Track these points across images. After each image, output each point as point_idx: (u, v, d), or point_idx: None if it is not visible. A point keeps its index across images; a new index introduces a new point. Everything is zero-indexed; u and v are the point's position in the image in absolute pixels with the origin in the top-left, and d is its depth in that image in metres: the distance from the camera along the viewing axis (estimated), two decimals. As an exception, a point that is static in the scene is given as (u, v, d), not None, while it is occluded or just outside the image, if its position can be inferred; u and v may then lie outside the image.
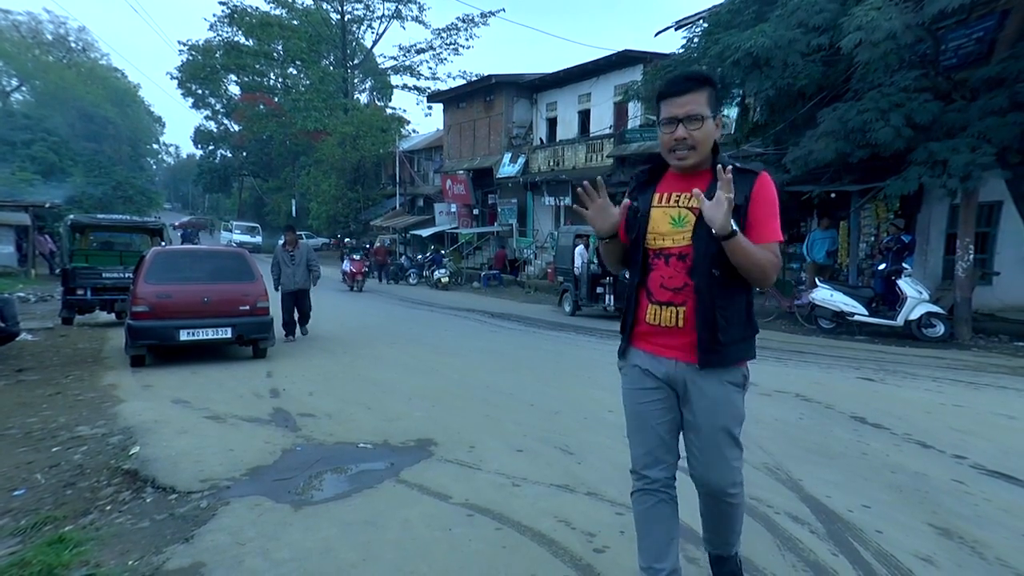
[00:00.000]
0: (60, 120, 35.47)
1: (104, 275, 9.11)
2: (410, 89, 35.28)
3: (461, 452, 3.57)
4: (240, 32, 35.18)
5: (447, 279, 17.45)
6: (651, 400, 1.81)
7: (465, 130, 22.74)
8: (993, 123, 7.37)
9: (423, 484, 3.07)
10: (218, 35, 36.54)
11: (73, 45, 44.69)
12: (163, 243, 9.90)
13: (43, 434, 3.94)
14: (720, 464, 1.75)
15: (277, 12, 33.99)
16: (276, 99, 37.56)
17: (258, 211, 44.71)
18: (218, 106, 43.78)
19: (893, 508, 2.80)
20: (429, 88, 33.34)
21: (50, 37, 42.91)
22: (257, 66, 37.73)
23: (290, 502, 2.85)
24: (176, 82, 40.96)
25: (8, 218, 17.09)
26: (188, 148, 76.84)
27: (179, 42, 49.00)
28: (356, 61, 37.60)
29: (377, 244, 22.89)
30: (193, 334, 6.12)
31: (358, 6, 34.55)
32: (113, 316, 9.33)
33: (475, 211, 22.54)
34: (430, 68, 45.94)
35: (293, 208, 36.43)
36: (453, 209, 23.28)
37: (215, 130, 45.85)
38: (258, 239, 33.77)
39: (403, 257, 22.12)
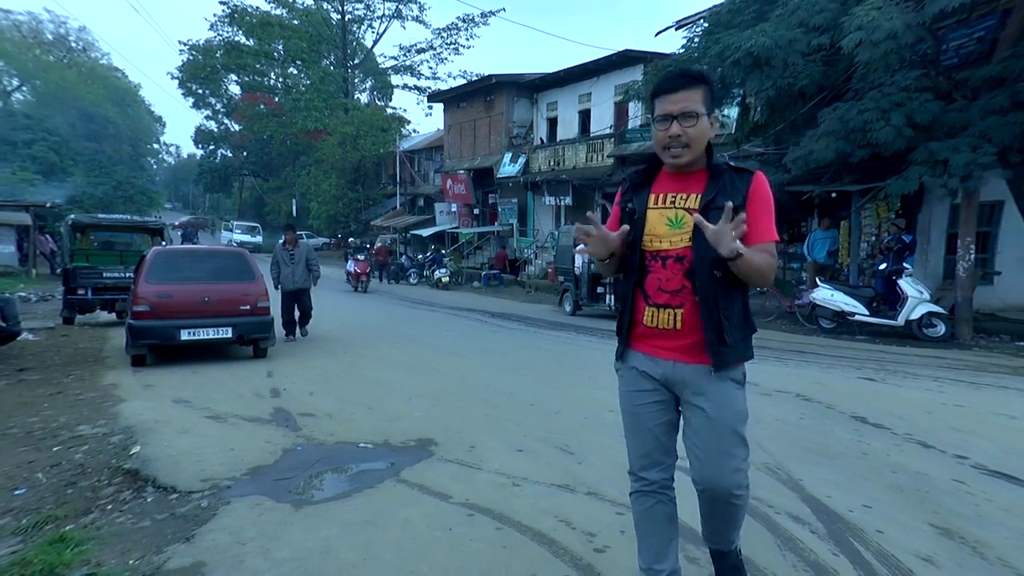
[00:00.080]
0: (61, 120, 35.50)
1: (105, 275, 9.11)
2: (410, 89, 35.33)
3: (461, 452, 3.57)
4: (240, 32, 35.20)
5: (447, 279, 17.44)
6: (648, 402, 1.79)
7: (465, 130, 22.74)
8: (994, 122, 7.36)
9: (423, 484, 3.07)
10: (219, 35, 36.61)
11: (74, 45, 44.76)
12: (163, 243, 9.91)
13: (44, 433, 3.94)
14: (727, 465, 1.69)
15: (278, 12, 34.02)
16: (276, 99, 37.59)
17: (259, 211, 44.75)
18: (218, 106, 43.82)
19: (894, 508, 2.80)
20: (429, 88, 33.39)
21: (51, 37, 42.97)
22: (257, 66, 37.76)
23: (291, 502, 2.85)
24: (177, 82, 41.07)
25: (9, 218, 17.10)
26: (189, 148, 77.04)
27: (180, 42, 49.10)
28: (356, 61, 37.62)
29: (378, 244, 22.89)
30: (194, 334, 6.12)
31: (358, 6, 34.61)
32: (114, 316, 9.34)
33: (475, 211, 22.55)
34: (430, 68, 46.12)
35: (293, 208, 36.46)
36: (453, 209, 23.28)
37: (215, 130, 45.89)
38: (258, 239, 33.78)
39: (403, 257, 22.12)
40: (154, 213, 30.70)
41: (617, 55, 16.18)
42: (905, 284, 8.16)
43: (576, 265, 11.37)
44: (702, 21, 11.88)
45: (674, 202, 1.74)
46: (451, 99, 23.71)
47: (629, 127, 15.91)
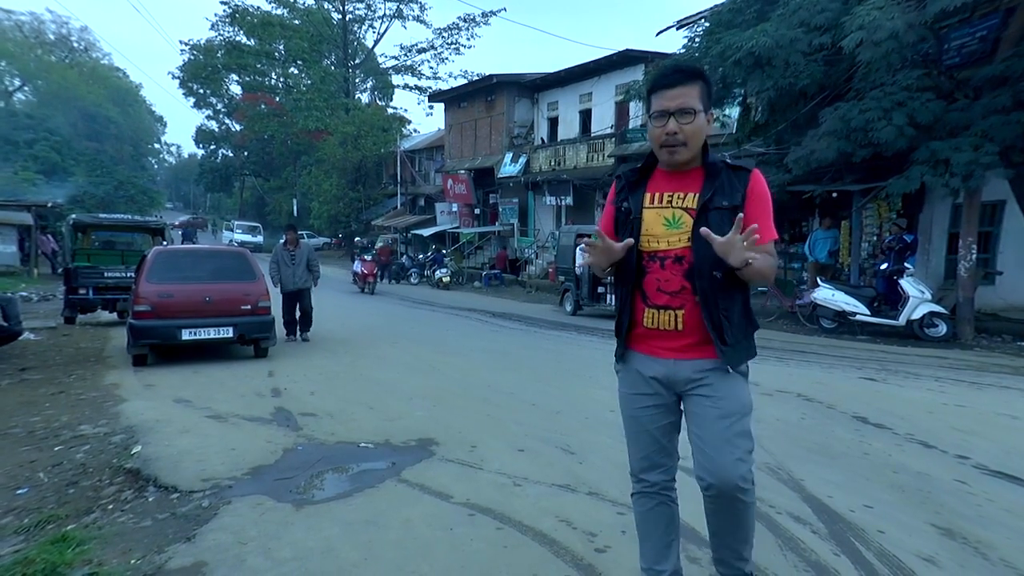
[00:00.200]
0: (62, 120, 35.54)
1: (106, 274, 9.12)
2: (411, 89, 35.29)
3: (462, 452, 3.57)
4: (241, 32, 35.20)
5: (448, 279, 17.43)
6: (648, 405, 1.77)
7: (466, 130, 22.74)
8: (996, 122, 7.35)
9: (424, 484, 3.07)
10: (220, 35, 36.61)
11: (75, 45, 44.80)
12: (164, 242, 9.92)
13: (46, 433, 3.95)
14: (731, 454, 1.64)
15: (278, 12, 34.01)
16: (277, 99, 37.60)
17: (259, 211, 44.79)
18: (219, 106, 43.86)
19: (895, 508, 2.80)
20: (430, 88, 33.35)
21: (52, 37, 43.02)
22: (258, 66, 37.77)
23: (292, 501, 2.85)
24: (178, 82, 41.12)
25: (10, 217, 17.13)
26: (190, 147, 77.19)
27: (181, 42, 49.12)
28: (357, 61, 37.61)
29: (380, 244, 22.89)
30: (195, 333, 6.13)
31: (359, 6, 34.58)
32: (115, 315, 9.35)
33: (476, 211, 22.55)
34: (431, 68, 46.13)
35: (294, 208, 36.49)
36: (454, 209, 23.28)
37: (216, 130, 45.93)
38: (259, 239, 33.82)
39: (404, 257, 22.13)
40: (155, 213, 30.72)
41: (618, 55, 16.17)
42: (906, 284, 8.15)
43: (577, 265, 11.37)
44: (703, 21, 11.87)
45: (671, 201, 1.71)
46: (452, 99, 23.72)
47: (630, 127, 15.91)
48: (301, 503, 2.83)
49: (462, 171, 22.07)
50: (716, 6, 11.47)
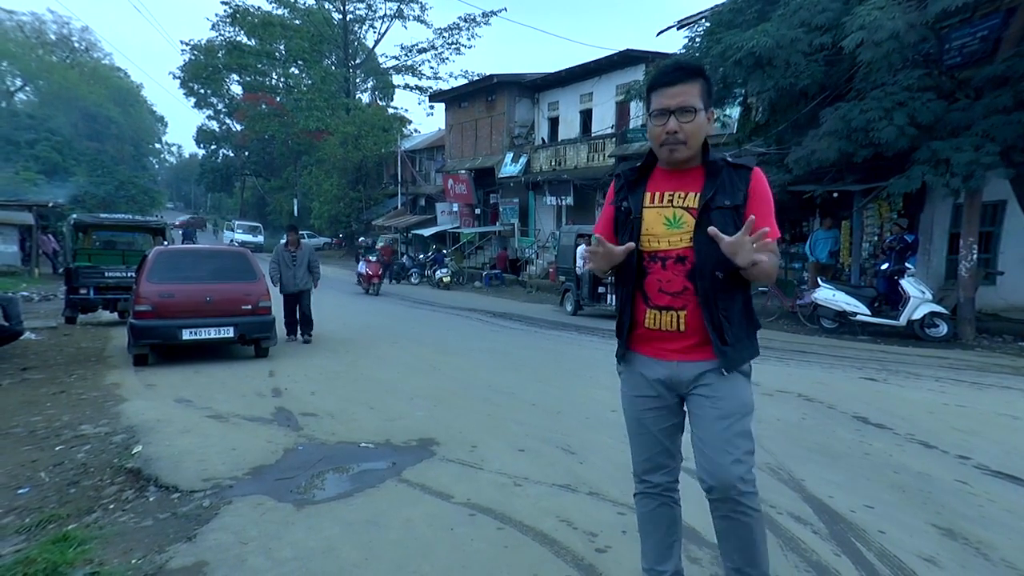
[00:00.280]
0: (63, 120, 35.59)
1: (107, 274, 9.13)
2: (412, 89, 35.30)
3: (463, 452, 3.57)
4: (242, 32, 35.22)
5: (449, 279, 17.42)
6: (651, 407, 1.76)
7: (467, 130, 22.74)
8: (997, 122, 7.35)
9: (425, 484, 3.07)
10: (220, 35, 36.64)
11: (76, 45, 44.84)
12: (165, 242, 9.92)
13: (47, 433, 3.95)
14: (728, 456, 1.62)
15: (279, 12, 34.03)
16: (278, 99, 37.62)
17: (260, 210, 44.82)
18: (220, 106, 43.88)
19: (896, 508, 2.79)
20: (431, 88, 33.35)
21: (54, 37, 43.05)
22: (259, 66, 37.78)
23: (292, 501, 2.85)
24: (178, 82, 41.13)
25: (12, 217, 17.15)
26: (190, 147, 77.12)
27: (181, 42, 49.19)
28: (358, 61, 37.62)
29: (381, 243, 22.89)
30: (195, 333, 6.13)
31: (360, 6, 34.58)
32: (116, 315, 9.35)
33: (477, 211, 22.55)
34: (432, 68, 46.09)
35: (295, 208, 36.50)
36: (455, 209, 23.29)
37: (217, 130, 45.96)
38: (260, 238, 33.85)
39: (405, 257, 22.13)
40: (156, 213, 30.74)
41: (618, 55, 16.17)
42: (907, 284, 8.14)
43: (577, 265, 11.37)
44: (704, 21, 11.87)
45: (671, 201, 1.69)
46: (452, 99, 23.72)
47: (630, 127, 15.91)
48: (302, 503, 2.83)
49: (463, 171, 22.07)
50: (717, 6, 11.47)
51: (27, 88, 41.29)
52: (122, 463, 3.35)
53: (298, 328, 7.93)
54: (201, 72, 38.81)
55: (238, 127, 42.51)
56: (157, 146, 63.93)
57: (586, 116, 18.40)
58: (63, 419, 4.26)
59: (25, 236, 17.57)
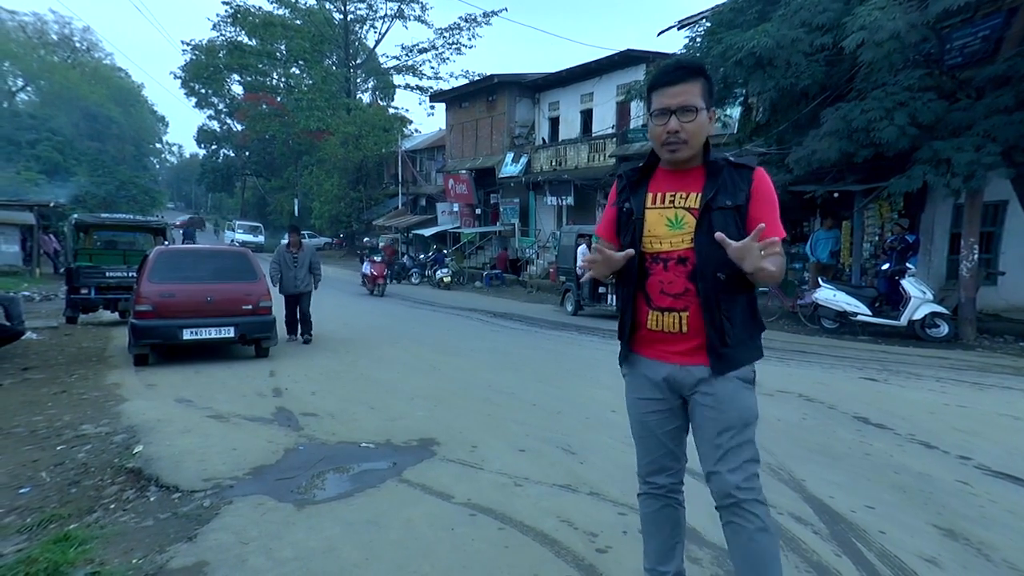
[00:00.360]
0: (64, 120, 35.61)
1: (108, 274, 9.13)
2: (412, 89, 35.33)
3: (463, 452, 3.57)
4: (243, 32, 35.25)
5: (449, 279, 17.42)
6: (655, 410, 1.75)
7: (467, 130, 22.75)
8: (999, 122, 7.34)
9: (426, 484, 3.07)
10: (221, 35, 36.68)
11: (78, 45, 44.87)
12: (166, 242, 9.93)
13: (48, 432, 3.96)
14: (725, 465, 1.61)
15: (280, 12, 34.06)
16: (279, 99, 37.64)
17: (261, 210, 44.85)
18: (221, 106, 43.91)
19: (897, 509, 2.79)
20: (431, 88, 33.38)
21: (55, 37, 43.08)
22: (260, 66, 37.81)
23: (293, 501, 2.85)
24: (179, 82, 41.17)
25: (13, 217, 17.17)
26: (191, 147, 77.29)
27: (182, 42, 49.30)
28: (359, 61, 37.65)
29: (383, 243, 22.88)
30: (196, 333, 6.13)
31: (361, 6, 34.62)
32: (117, 315, 9.36)
33: (477, 211, 22.56)
34: (432, 68, 46.07)
35: (295, 208, 36.52)
36: (455, 209, 23.29)
37: (218, 129, 46.00)
38: (261, 238, 33.88)
39: (405, 257, 22.13)
40: (157, 213, 30.76)
41: (619, 55, 16.17)
42: (908, 284, 8.13)
43: (578, 265, 11.36)
44: (704, 21, 11.87)
45: (673, 201, 1.67)
46: (453, 99, 23.73)
47: (631, 127, 15.91)
48: (302, 503, 2.83)
49: (463, 171, 22.07)
50: (717, 6, 11.46)
51: (29, 88, 41.34)
52: (123, 463, 3.35)
53: (298, 328, 7.93)
54: (202, 72, 38.85)
55: (239, 127, 42.54)
56: (158, 146, 64.01)
57: (587, 116, 18.40)
58: (64, 419, 4.26)
59: (26, 236, 17.59)
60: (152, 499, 2.91)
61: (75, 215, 11.08)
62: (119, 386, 5.29)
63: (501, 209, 21.55)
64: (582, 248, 11.50)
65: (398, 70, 36.14)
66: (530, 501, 2.85)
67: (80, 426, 4.09)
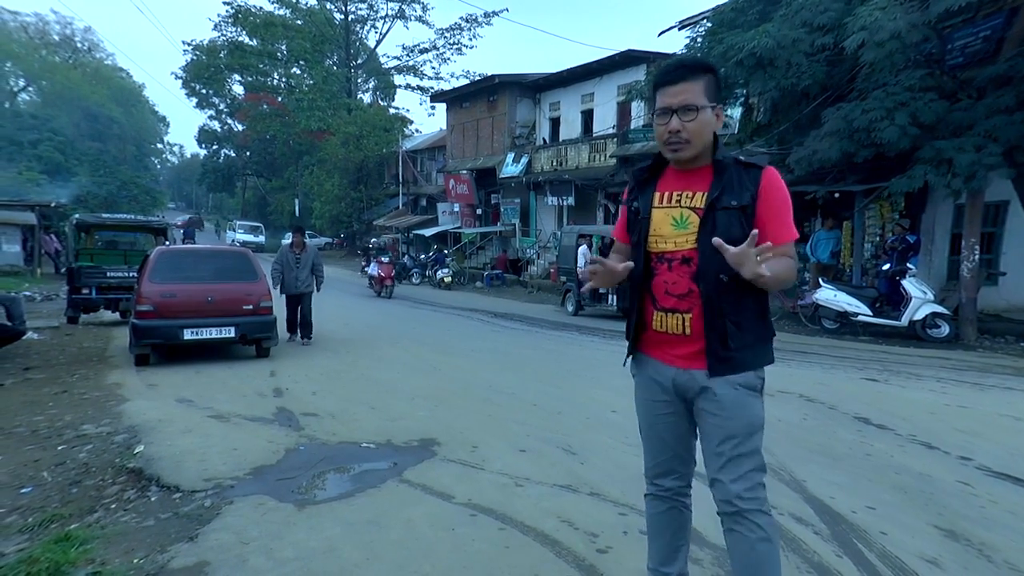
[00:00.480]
0: (66, 120, 35.65)
1: (109, 274, 9.14)
2: (413, 89, 35.34)
3: (464, 452, 3.58)
4: (244, 32, 35.27)
5: (450, 279, 17.41)
6: (663, 413, 1.73)
7: (468, 130, 22.75)
8: (1000, 122, 7.34)
9: (426, 484, 3.07)
10: (222, 35, 36.70)
11: (79, 45, 44.93)
12: (167, 242, 9.94)
13: (49, 432, 3.96)
14: (728, 474, 1.58)
15: (281, 12, 34.07)
16: (280, 99, 37.66)
17: (261, 210, 44.89)
18: (222, 106, 43.95)
19: (898, 509, 2.79)
20: (432, 88, 33.38)
21: (56, 38, 43.14)
22: (261, 66, 37.83)
23: (294, 501, 2.85)
24: (180, 82, 41.18)
25: (14, 217, 17.19)
26: (192, 148, 77.36)
27: (183, 42, 49.25)
28: (359, 61, 37.66)
29: (386, 243, 22.86)
30: (197, 333, 6.14)
31: (362, 6, 34.63)
32: (118, 315, 9.37)
33: (478, 211, 22.55)
34: (433, 68, 45.93)
35: (296, 208, 36.55)
36: (456, 209, 23.29)
37: (219, 130, 46.03)
38: (261, 239, 33.91)
39: (406, 257, 22.13)
40: (158, 213, 30.79)
41: (620, 55, 16.16)
42: (909, 284, 8.13)
43: (578, 265, 11.36)
44: (705, 21, 11.86)
45: (679, 200, 1.65)
46: (454, 99, 23.73)
47: (632, 127, 15.90)
48: (303, 503, 2.84)
49: (464, 171, 22.07)
50: (718, 6, 11.46)
51: (30, 88, 41.38)
52: (124, 463, 3.36)
53: (298, 330, 7.92)
54: (203, 72, 38.88)
55: (240, 127, 42.57)
56: (159, 146, 64.01)
57: (587, 116, 18.40)
58: (65, 419, 4.27)
59: (28, 236, 17.61)
60: (153, 499, 2.91)
61: (76, 215, 11.10)
62: (120, 386, 5.30)
63: (502, 209, 21.55)
64: (583, 248, 11.50)
65: (399, 70, 36.16)
66: (531, 501, 2.85)
67: (81, 426, 4.09)
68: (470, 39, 33.26)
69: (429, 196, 26.90)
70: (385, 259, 15.35)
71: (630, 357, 1.82)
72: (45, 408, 4.56)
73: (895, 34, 7.15)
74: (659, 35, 34.69)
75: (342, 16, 35.02)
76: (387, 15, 35.20)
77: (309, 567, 2.25)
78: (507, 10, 67.37)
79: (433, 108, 38.33)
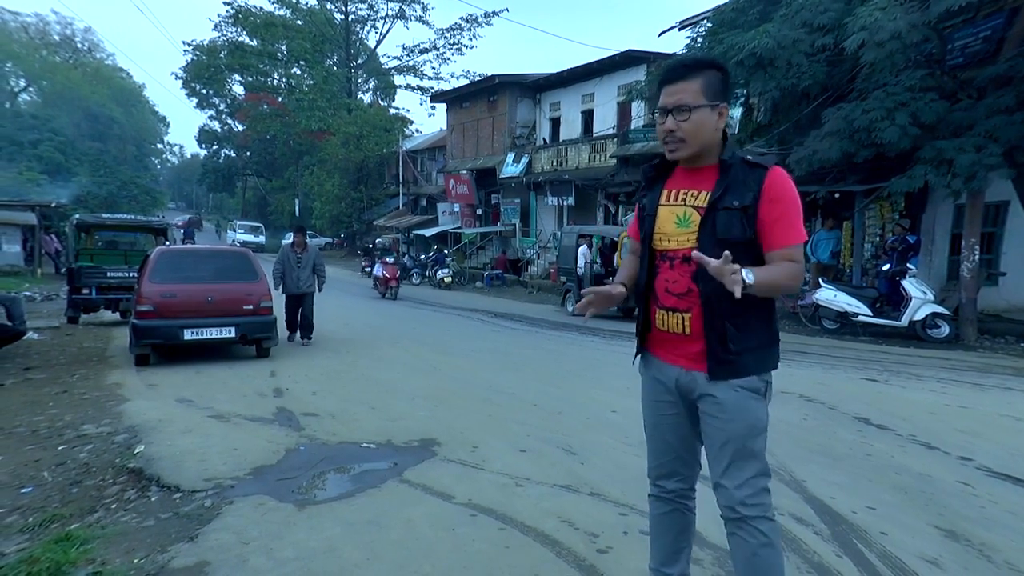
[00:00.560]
0: (66, 120, 35.66)
1: (109, 274, 9.14)
2: (413, 89, 35.34)
3: (464, 452, 3.58)
4: (244, 32, 35.31)
5: (450, 279, 17.41)
6: (667, 414, 1.73)
7: (468, 130, 22.75)
8: (1000, 122, 7.34)
9: (426, 484, 3.07)
10: (222, 35, 36.73)
11: (79, 45, 44.94)
12: (167, 242, 9.94)
13: (50, 432, 3.96)
14: (731, 480, 1.56)
15: (281, 12, 34.09)
16: (280, 99, 37.68)
17: (262, 211, 44.90)
18: (222, 106, 43.96)
19: (898, 509, 2.79)
20: (432, 88, 33.38)
21: (57, 38, 43.15)
22: (261, 66, 37.84)
23: (294, 501, 2.85)
24: (180, 82, 41.19)
25: (14, 217, 17.19)
26: (192, 148, 77.42)
27: (184, 42, 49.26)
28: (360, 61, 37.66)
29: (388, 243, 22.87)
30: (197, 333, 6.14)
31: (362, 6, 34.63)
32: (118, 315, 9.37)
33: (478, 211, 22.56)
34: (433, 68, 45.91)
35: (296, 208, 36.56)
36: (456, 209, 23.30)
37: (219, 130, 46.04)
38: (262, 239, 33.91)
39: (406, 257, 22.13)
40: (158, 213, 30.80)
41: (620, 55, 16.16)
42: (909, 285, 8.13)
43: (578, 265, 11.36)
44: (705, 21, 11.86)
45: (684, 199, 1.65)
46: (454, 99, 23.73)
47: (632, 127, 15.90)
48: (303, 503, 2.84)
49: (464, 171, 22.08)
50: (719, 6, 11.46)
51: (31, 89, 41.40)
52: (124, 463, 3.36)
53: (298, 330, 7.91)
54: (203, 72, 38.89)
55: (240, 127, 42.58)
56: (159, 146, 64.01)
57: (587, 116, 18.40)
58: (65, 419, 4.27)
59: (28, 236, 17.61)
60: (153, 499, 2.91)
61: (76, 215, 11.11)
62: (120, 386, 5.30)
63: (502, 209, 21.55)
64: (583, 249, 11.50)
65: (399, 70, 36.15)
66: (531, 501, 2.85)
67: (81, 426, 4.09)
68: (470, 39, 33.26)
69: (429, 196, 26.90)
70: (390, 260, 15.20)
71: (638, 356, 1.82)
72: (45, 408, 4.56)
73: (895, 34, 7.15)
74: (659, 35, 34.73)
75: (342, 16, 35.03)
76: (387, 15, 35.23)
77: (309, 567, 2.25)
78: (507, 10, 67.46)
79: (433, 108, 38.40)
